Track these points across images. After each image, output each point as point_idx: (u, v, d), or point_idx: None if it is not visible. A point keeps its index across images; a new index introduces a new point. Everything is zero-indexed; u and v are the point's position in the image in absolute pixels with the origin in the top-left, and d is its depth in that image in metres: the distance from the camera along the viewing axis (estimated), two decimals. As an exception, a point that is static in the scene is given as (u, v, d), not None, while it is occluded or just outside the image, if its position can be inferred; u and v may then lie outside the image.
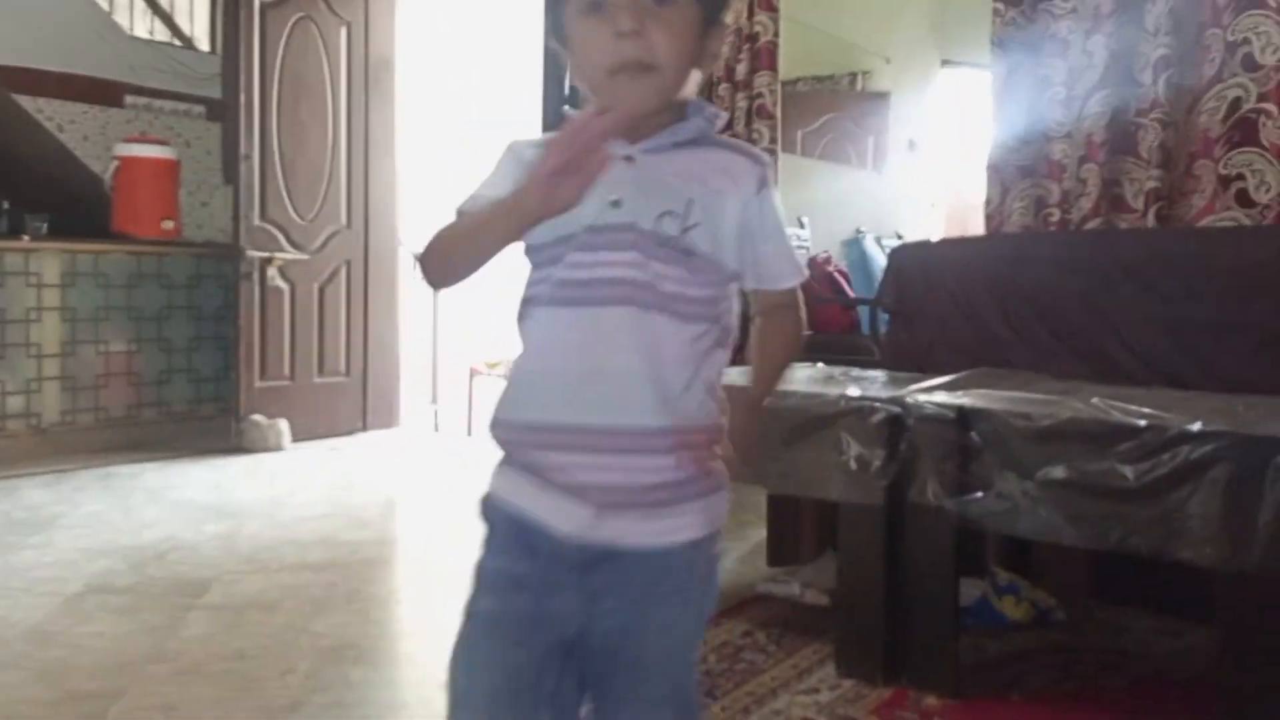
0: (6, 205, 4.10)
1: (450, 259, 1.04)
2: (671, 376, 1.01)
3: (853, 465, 1.92)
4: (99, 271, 4.25)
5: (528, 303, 1.06)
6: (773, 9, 3.58)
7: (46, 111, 4.49)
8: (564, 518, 1.00)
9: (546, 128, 3.73)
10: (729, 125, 3.71)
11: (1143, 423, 1.68)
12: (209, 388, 4.66)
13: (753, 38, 3.60)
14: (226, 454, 4.24)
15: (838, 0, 5.70)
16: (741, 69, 3.65)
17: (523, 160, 1.06)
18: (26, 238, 4.02)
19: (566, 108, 1.11)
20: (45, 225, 4.12)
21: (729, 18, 1.13)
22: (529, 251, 1.07)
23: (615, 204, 1.03)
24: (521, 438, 1.04)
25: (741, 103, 3.66)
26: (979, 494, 1.82)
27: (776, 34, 3.60)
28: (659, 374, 1.00)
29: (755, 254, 1.08)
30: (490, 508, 1.06)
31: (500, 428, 1.06)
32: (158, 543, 2.89)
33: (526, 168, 1.01)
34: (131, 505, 3.35)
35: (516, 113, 5.12)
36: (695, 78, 1.08)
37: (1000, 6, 2.96)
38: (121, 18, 5.02)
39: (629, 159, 1.04)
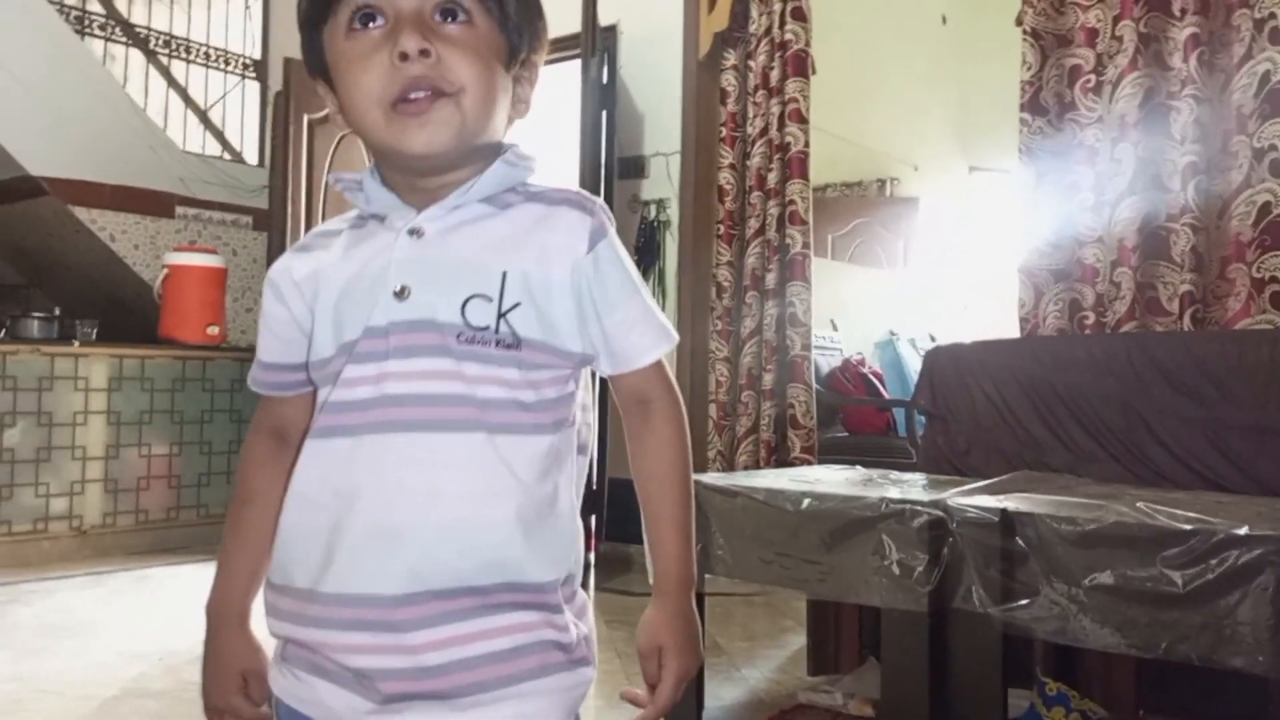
0: (58, 312, 4.24)
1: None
2: (500, 517, 0.78)
3: (895, 570, 1.90)
4: (144, 376, 4.33)
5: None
6: (803, 120, 3.68)
7: (100, 222, 4.66)
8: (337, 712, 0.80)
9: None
10: (760, 230, 3.78)
11: (1189, 527, 1.66)
12: (246, 490, 4.68)
13: (784, 148, 3.70)
14: (262, 557, 4.24)
15: (866, 112, 5.85)
16: (773, 177, 3.73)
17: (280, 283, 0.87)
18: (76, 343, 4.13)
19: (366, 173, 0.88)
20: (95, 331, 4.23)
21: (539, 58, 0.89)
22: (312, 370, 0.85)
23: (401, 294, 0.79)
24: (280, 604, 0.85)
25: (774, 209, 3.73)
26: (1025, 601, 1.79)
27: (807, 144, 3.69)
28: (480, 516, 0.78)
29: (602, 329, 0.83)
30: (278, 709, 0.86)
31: (268, 590, 0.87)
32: (193, 646, 2.86)
33: (290, 289, 0.85)
34: (167, 608, 3.36)
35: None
36: (501, 122, 0.86)
37: (1027, 116, 3.02)
38: (175, 133, 5.25)
39: (415, 233, 0.81)
